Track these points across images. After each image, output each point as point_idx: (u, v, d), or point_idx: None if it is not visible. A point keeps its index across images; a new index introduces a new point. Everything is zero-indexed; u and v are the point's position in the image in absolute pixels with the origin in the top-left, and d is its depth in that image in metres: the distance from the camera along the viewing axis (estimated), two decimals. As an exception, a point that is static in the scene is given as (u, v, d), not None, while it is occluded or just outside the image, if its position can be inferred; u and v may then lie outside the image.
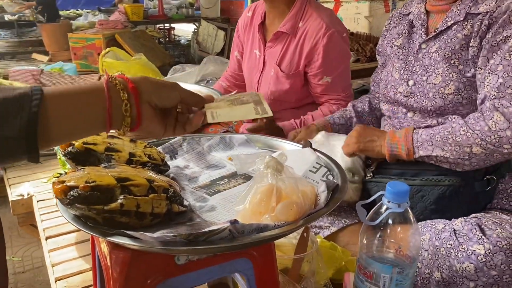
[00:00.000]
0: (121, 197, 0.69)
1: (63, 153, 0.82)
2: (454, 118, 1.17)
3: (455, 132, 1.08)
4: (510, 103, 1.01)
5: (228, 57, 3.96)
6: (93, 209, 0.67)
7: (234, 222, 0.65)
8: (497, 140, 1.02)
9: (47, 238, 1.38)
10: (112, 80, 0.67)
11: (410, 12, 1.37)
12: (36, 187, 1.70)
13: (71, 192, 0.67)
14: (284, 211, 0.69)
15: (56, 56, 4.32)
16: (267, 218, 0.71)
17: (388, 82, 1.36)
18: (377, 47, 1.52)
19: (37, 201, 1.61)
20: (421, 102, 1.23)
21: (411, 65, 1.29)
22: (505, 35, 1.06)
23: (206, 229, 0.65)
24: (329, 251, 1.08)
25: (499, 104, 1.03)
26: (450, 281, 0.97)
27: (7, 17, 5.55)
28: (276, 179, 0.73)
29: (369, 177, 1.24)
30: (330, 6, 3.80)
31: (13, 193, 1.67)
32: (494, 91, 1.06)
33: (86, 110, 0.65)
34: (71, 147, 0.82)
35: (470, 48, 1.14)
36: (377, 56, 1.53)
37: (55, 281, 1.19)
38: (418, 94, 1.24)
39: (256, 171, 0.77)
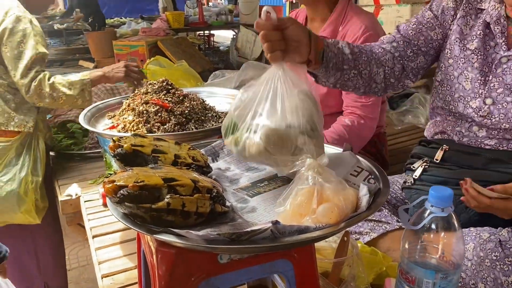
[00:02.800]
0: (168, 196, 0.72)
1: (112, 154, 0.86)
2: None
3: None
4: None
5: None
6: (142, 207, 0.70)
7: (275, 223, 0.66)
8: None
9: (94, 237, 1.44)
10: None
11: (485, 10, 1.17)
12: (83, 188, 1.77)
13: (121, 191, 0.70)
14: (326, 214, 0.70)
15: (101, 62, 4.48)
16: (308, 220, 0.72)
17: (454, 89, 1.19)
18: (429, 6, 1.27)
19: (84, 201, 1.68)
20: (501, 124, 1.10)
21: (487, 79, 1.13)
22: None
23: (249, 229, 0.66)
24: (370, 256, 1.07)
25: None
26: (495, 293, 0.94)
27: (56, 26, 5.82)
28: (317, 181, 0.74)
29: (409, 184, 1.21)
30: (371, 10, 3.75)
31: (62, 194, 1.75)
32: None
33: None
34: (120, 149, 0.86)
35: None
36: (425, 15, 1.26)
37: (102, 278, 1.24)
38: (498, 116, 1.11)
39: (297, 173, 0.78)
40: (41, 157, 1.88)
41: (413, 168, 1.23)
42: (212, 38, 7.50)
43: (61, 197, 1.73)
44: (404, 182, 1.23)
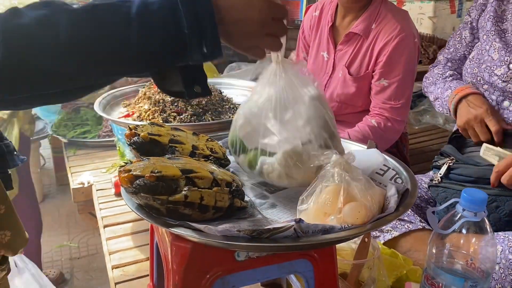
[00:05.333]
0: (186, 188, 0.68)
1: (128, 142, 0.83)
2: None
3: None
4: None
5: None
6: (158, 199, 0.67)
7: (299, 221, 0.63)
8: None
9: (105, 227, 1.42)
10: None
11: None
12: (96, 176, 1.75)
13: (137, 181, 0.67)
14: (352, 214, 0.66)
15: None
16: (333, 219, 0.68)
17: (482, 61, 1.26)
18: (468, 20, 1.38)
19: (97, 190, 1.66)
20: None
21: None
22: None
23: (270, 226, 0.63)
24: (390, 259, 1.03)
25: None
26: (524, 299, 0.89)
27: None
28: (344, 179, 0.70)
29: (436, 182, 1.16)
30: (392, 6, 3.68)
31: (74, 181, 1.74)
32: None
33: None
34: (136, 137, 0.83)
35: None
36: (465, 30, 1.39)
37: (112, 269, 1.21)
38: None
39: (322, 169, 0.74)
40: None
41: (438, 165, 1.19)
42: (228, 31, 7.45)
43: (73, 185, 1.72)
44: (431, 180, 1.19)
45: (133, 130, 0.85)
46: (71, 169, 1.85)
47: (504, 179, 1.03)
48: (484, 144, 1.15)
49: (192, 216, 0.69)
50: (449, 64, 1.45)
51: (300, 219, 0.63)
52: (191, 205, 0.68)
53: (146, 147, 0.83)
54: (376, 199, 0.70)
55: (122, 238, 1.36)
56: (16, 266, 1.42)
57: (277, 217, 0.77)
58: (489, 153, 1.12)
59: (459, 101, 1.27)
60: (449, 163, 1.15)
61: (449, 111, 1.33)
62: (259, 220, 0.73)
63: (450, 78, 1.40)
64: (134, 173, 0.68)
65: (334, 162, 0.71)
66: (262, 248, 0.66)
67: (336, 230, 0.65)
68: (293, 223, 0.62)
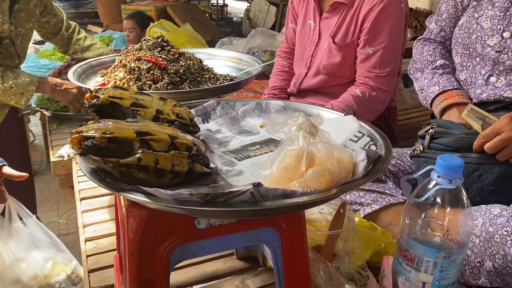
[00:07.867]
0: (139, 151, 0.64)
1: (87, 105, 0.79)
2: None
3: None
4: None
5: (278, 31, 3.84)
6: (109, 161, 0.63)
7: (257, 185, 0.58)
8: None
9: (81, 199, 1.39)
10: None
11: None
12: (76, 149, 1.71)
13: (86, 142, 0.63)
14: (315, 178, 0.62)
15: (110, 27, 4.38)
16: (295, 184, 0.64)
17: (472, 30, 1.20)
18: None
19: (76, 163, 1.62)
20: None
21: (507, 14, 1.13)
22: None
23: (226, 190, 0.59)
24: (368, 232, 0.99)
25: None
26: (503, 272, 0.85)
27: (65, -12, 5.73)
28: (308, 142, 0.65)
29: (418, 151, 1.11)
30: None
31: (54, 155, 1.70)
32: None
33: None
34: (95, 100, 0.78)
35: None
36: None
37: (85, 242, 1.18)
38: None
39: (287, 133, 0.69)
40: None
41: (424, 135, 1.13)
42: (225, 9, 7.33)
43: (53, 158, 1.68)
44: (413, 150, 1.13)
45: (93, 93, 0.80)
46: (52, 143, 1.81)
47: (487, 146, 0.98)
48: (470, 105, 1.10)
49: (148, 181, 0.65)
50: (442, 33, 1.38)
51: (259, 183, 0.59)
52: (145, 169, 0.64)
53: (105, 110, 0.78)
54: (344, 164, 0.66)
55: (98, 211, 1.33)
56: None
57: (242, 184, 0.73)
58: (472, 115, 1.07)
59: (445, 108, 1.22)
60: (431, 132, 1.10)
61: (431, 108, 1.28)
62: (220, 186, 0.69)
63: (440, 70, 1.31)
64: (85, 134, 0.64)
65: (299, 125, 0.66)
66: (217, 213, 0.61)
67: (297, 195, 0.61)
68: (250, 187, 0.58)
